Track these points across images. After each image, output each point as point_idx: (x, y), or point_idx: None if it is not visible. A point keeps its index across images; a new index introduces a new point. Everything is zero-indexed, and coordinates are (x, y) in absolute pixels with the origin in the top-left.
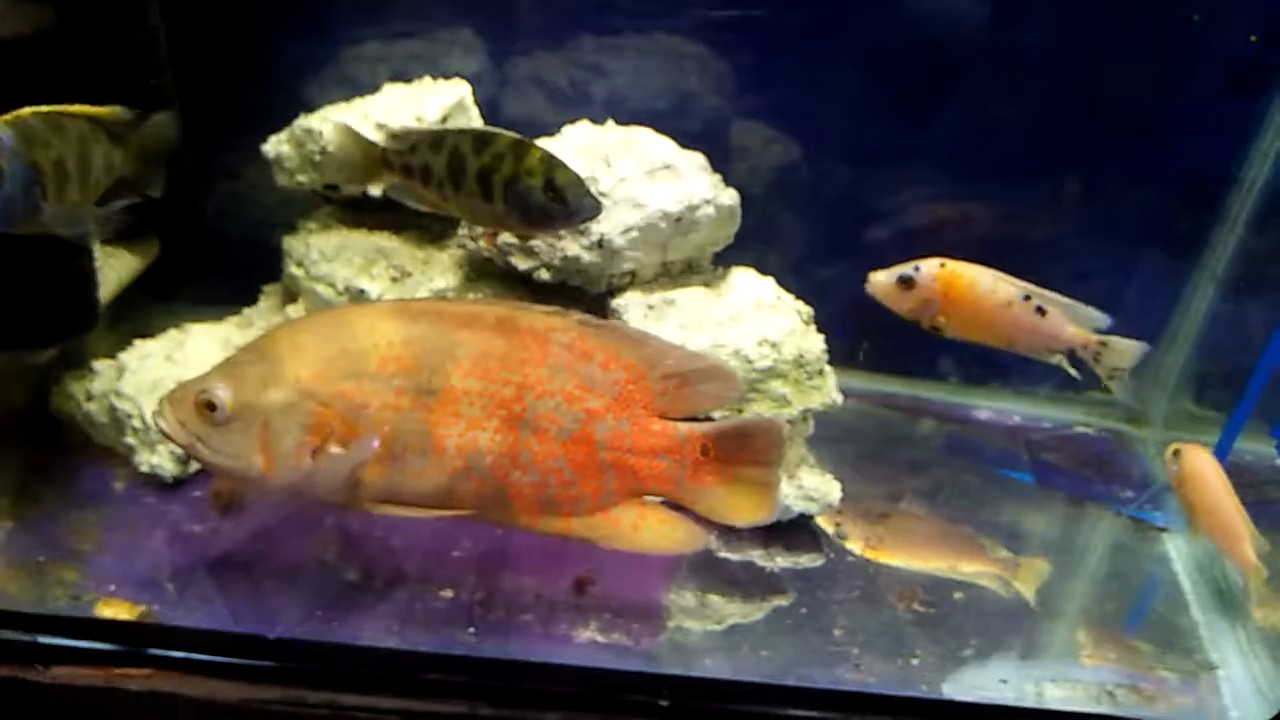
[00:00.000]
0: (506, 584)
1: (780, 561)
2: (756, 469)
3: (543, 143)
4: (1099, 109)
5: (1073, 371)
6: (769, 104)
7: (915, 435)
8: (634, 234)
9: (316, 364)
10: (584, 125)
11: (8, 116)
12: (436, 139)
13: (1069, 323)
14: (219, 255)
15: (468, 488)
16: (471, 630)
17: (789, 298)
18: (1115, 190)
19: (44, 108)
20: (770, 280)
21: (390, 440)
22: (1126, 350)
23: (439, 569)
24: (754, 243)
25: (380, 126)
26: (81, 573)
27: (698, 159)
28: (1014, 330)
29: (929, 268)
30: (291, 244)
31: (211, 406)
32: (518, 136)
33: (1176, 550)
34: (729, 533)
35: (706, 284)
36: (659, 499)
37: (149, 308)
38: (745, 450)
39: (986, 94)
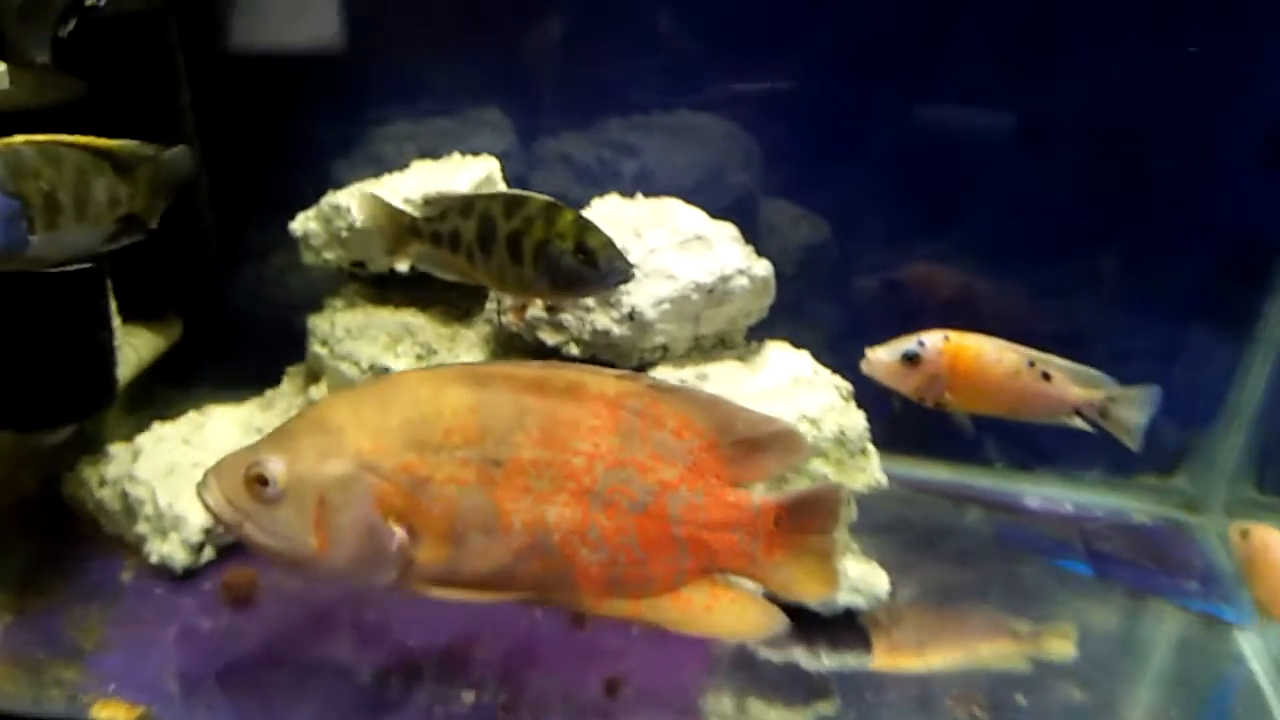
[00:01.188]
0: (532, 685)
1: (826, 661)
2: (818, 538)
3: None
4: (1138, 179)
5: (1085, 426)
6: (798, 180)
7: (962, 524)
8: (666, 306)
9: (378, 434)
10: (613, 199)
11: None
12: (467, 204)
13: (1073, 384)
14: (242, 338)
15: (532, 568)
16: None
17: (826, 373)
18: (1157, 264)
19: (40, 136)
20: (806, 354)
21: (452, 517)
22: (1135, 398)
23: (461, 669)
24: (786, 320)
25: (408, 201)
26: (82, 671)
27: (730, 230)
28: (1021, 398)
29: (934, 342)
30: (316, 322)
31: (263, 481)
32: (550, 199)
33: (1251, 648)
34: None
35: (740, 358)
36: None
37: (168, 394)
38: (812, 519)
39: (1021, 167)
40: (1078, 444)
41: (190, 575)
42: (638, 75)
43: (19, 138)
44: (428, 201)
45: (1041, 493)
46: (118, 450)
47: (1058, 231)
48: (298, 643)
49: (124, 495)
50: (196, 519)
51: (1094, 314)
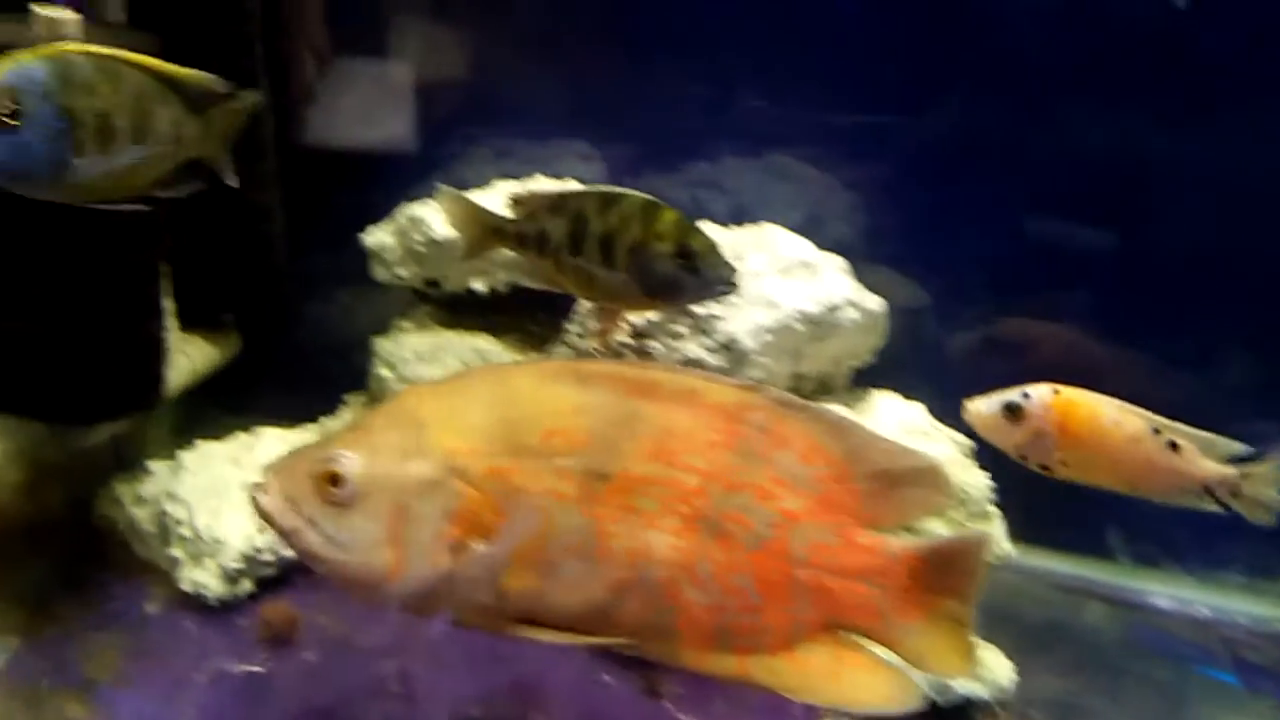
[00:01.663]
0: None
1: None
2: (956, 602)
3: None
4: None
5: (1215, 508)
6: (899, 222)
7: (1086, 620)
8: (766, 336)
9: (469, 433)
10: (707, 225)
11: (50, 49)
12: (558, 202)
13: (1203, 458)
14: (301, 361)
15: (629, 608)
16: None
17: (943, 428)
18: None
19: (100, 48)
20: (920, 406)
21: (546, 538)
22: (1269, 474)
23: None
24: (892, 372)
25: None
26: (88, 707)
27: (838, 260)
28: (1145, 470)
29: (1040, 395)
30: (382, 344)
31: (335, 480)
32: (650, 197)
33: None
34: None
35: (845, 405)
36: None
37: (218, 418)
38: (954, 577)
39: (1147, 217)
40: (1213, 539)
41: (224, 608)
42: (733, 116)
43: (75, 45)
44: (516, 201)
45: (1171, 593)
46: (158, 467)
47: (1183, 293)
48: (340, 695)
49: (160, 515)
50: (237, 544)
51: (1223, 386)
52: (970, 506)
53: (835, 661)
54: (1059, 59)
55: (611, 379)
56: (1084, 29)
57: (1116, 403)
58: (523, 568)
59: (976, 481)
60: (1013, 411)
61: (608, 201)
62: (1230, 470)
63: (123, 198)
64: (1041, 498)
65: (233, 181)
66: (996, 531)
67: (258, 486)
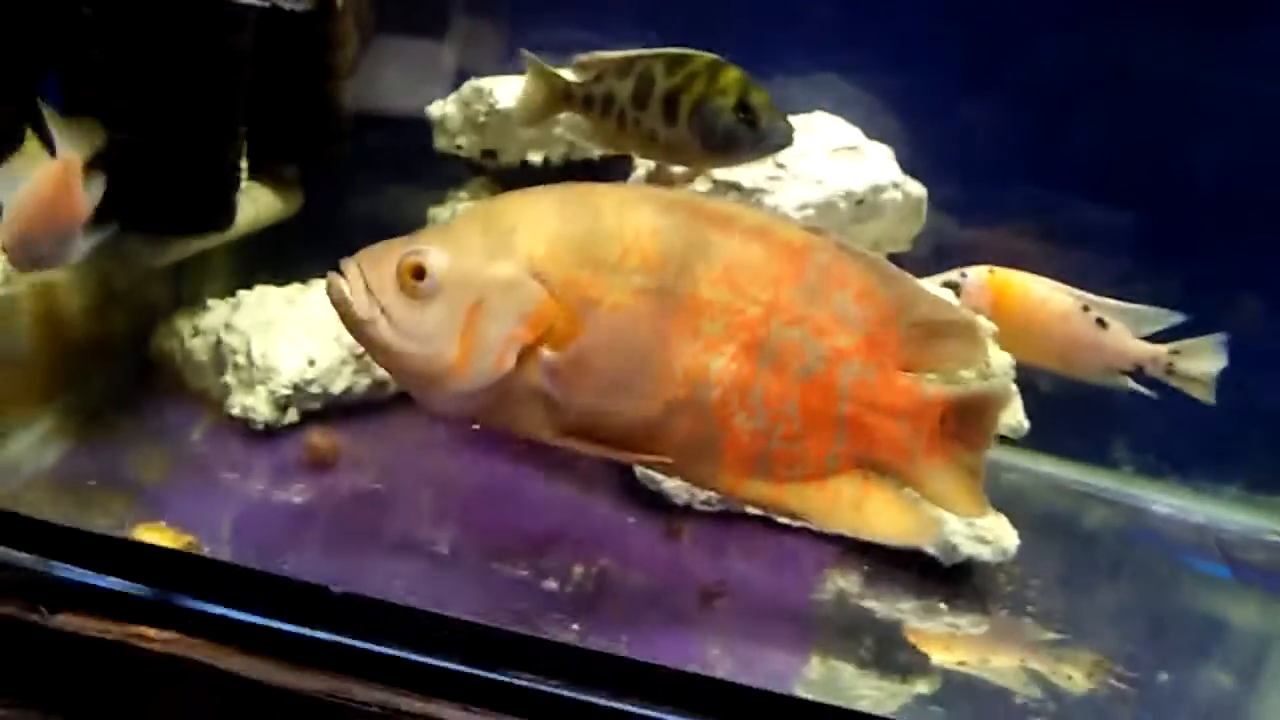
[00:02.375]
0: (620, 582)
1: (941, 622)
2: (972, 453)
3: None
4: None
5: (1146, 391)
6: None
7: (1087, 517)
8: (810, 211)
9: (553, 241)
10: None
11: None
12: (626, 64)
13: (1132, 333)
14: (358, 228)
15: (680, 425)
16: (575, 627)
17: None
18: None
19: None
20: (950, 293)
21: (611, 351)
22: (1204, 350)
23: (546, 556)
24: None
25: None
26: (133, 504)
27: (885, 148)
28: (1073, 347)
29: (977, 273)
30: (437, 212)
31: (420, 273)
32: (715, 57)
33: None
34: (876, 576)
35: None
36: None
37: (276, 270)
38: (977, 425)
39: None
40: (1216, 453)
41: (270, 433)
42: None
43: None
44: (582, 65)
45: (1172, 502)
46: (216, 304)
47: None
48: (372, 512)
49: (217, 345)
50: (288, 373)
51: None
52: (992, 380)
53: (862, 494)
54: None
55: (690, 208)
56: None
57: (1049, 281)
58: (584, 378)
59: (1001, 359)
60: (951, 289)
61: (674, 62)
62: (1160, 349)
63: None
64: (1048, 407)
65: (299, 6)
66: (1015, 405)
67: (337, 272)
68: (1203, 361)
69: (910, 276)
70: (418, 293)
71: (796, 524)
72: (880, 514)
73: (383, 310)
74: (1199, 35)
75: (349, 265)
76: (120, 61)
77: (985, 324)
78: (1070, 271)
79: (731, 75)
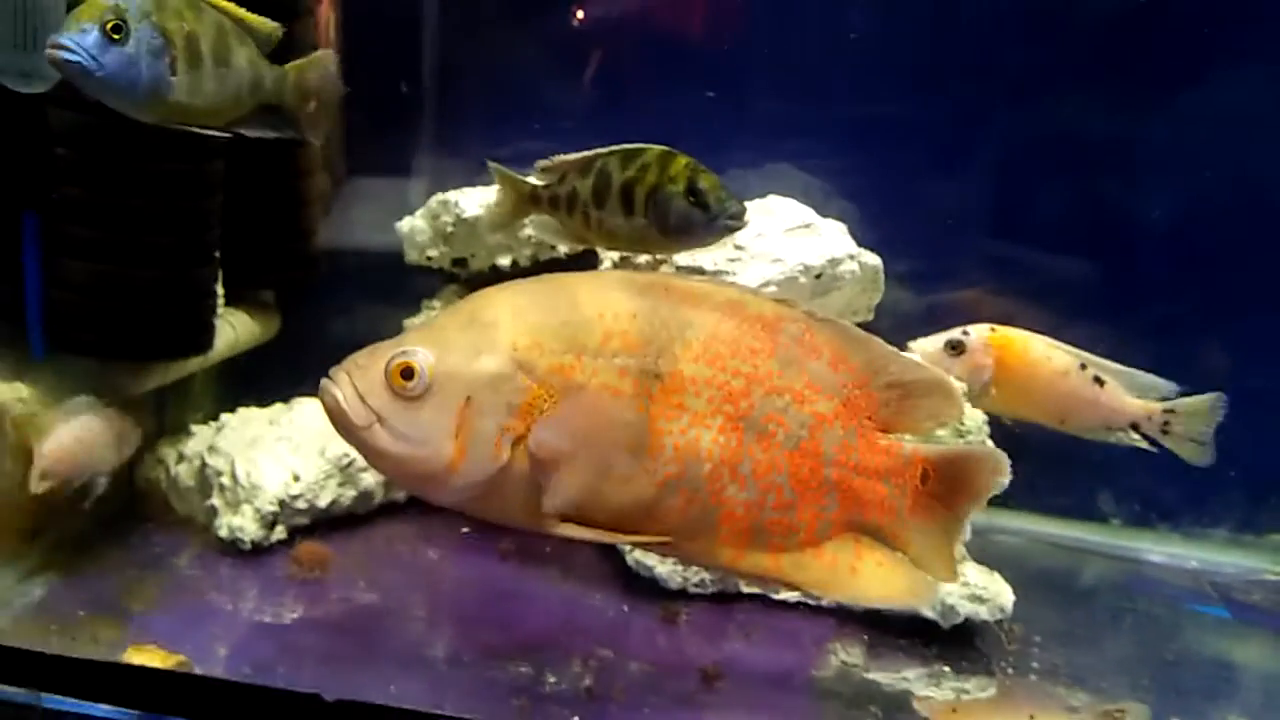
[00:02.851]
0: (619, 673)
1: (947, 687)
2: (949, 515)
3: None
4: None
5: (1142, 444)
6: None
7: (1082, 571)
8: (772, 289)
9: (535, 331)
10: None
11: None
12: (586, 164)
13: (1128, 393)
14: (336, 345)
15: (674, 504)
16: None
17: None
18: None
19: None
20: (917, 356)
21: (601, 433)
22: (1200, 409)
23: (543, 652)
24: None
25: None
26: (122, 630)
27: (838, 225)
28: (1070, 403)
29: (979, 332)
30: (412, 323)
31: (408, 373)
32: (666, 148)
33: None
34: (877, 646)
35: None
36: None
37: (257, 393)
38: (961, 484)
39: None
40: (1202, 500)
41: (258, 551)
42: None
43: None
44: (544, 169)
45: (1164, 550)
46: (199, 429)
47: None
48: (365, 621)
49: (201, 468)
50: (273, 489)
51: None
52: (969, 438)
53: (856, 558)
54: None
55: (663, 288)
56: None
57: (1047, 339)
58: (578, 462)
59: (974, 415)
60: (954, 347)
61: (628, 156)
62: (1155, 406)
63: (209, 121)
64: (1034, 465)
65: (315, 139)
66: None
67: (328, 381)
68: (1199, 421)
69: (878, 339)
70: (408, 393)
71: (793, 599)
72: (875, 576)
73: (376, 415)
74: (1132, 98)
75: (339, 373)
76: (95, 195)
77: (956, 382)
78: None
79: (681, 162)
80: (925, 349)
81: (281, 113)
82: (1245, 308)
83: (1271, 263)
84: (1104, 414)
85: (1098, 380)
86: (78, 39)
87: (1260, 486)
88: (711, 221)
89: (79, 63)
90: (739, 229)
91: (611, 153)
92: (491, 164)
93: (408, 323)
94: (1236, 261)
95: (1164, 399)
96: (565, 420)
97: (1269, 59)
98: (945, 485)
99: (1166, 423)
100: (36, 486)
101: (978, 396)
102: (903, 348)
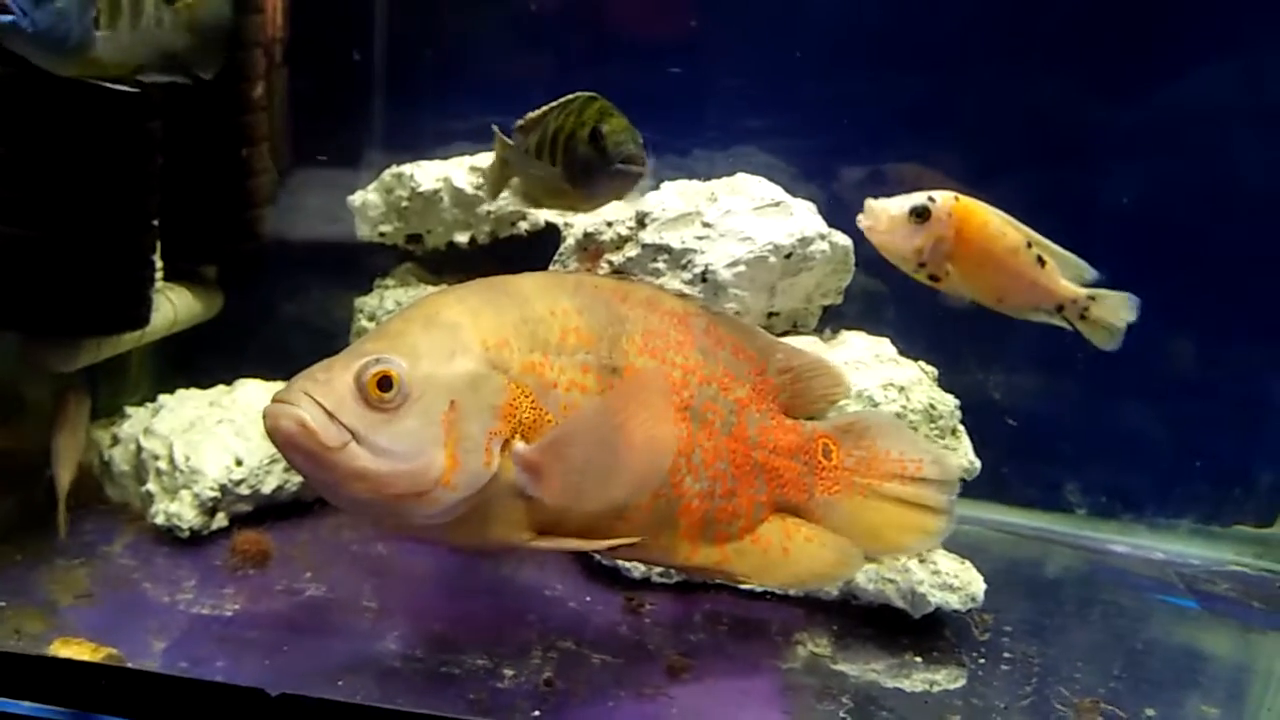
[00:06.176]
0: (582, 664)
1: (918, 678)
2: (898, 484)
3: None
4: None
5: (1063, 324)
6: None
7: (1049, 561)
8: (741, 268)
9: (499, 330)
10: (684, 181)
11: None
12: (540, 118)
13: (1062, 278)
14: (282, 323)
15: (643, 501)
16: (536, 714)
17: (910, 360)
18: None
19: None
20: (886, 339)
21: (578, 433)
22: (1117, 303)
23: (502, 643)
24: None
25: (474, 169)
26: (47, 623)
27: (809, 204)
28: (1014, 283)
29: (945, 199)
30: (364, 301)
31: (386, 383)
32: (591, 94)
33: None
34: (846, 636)
35: (817, 338)
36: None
37: (197, 373)
38: (865, 455)
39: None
40: (1168, 492)
41: (197, 540)
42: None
43: None
44: (521, 128)
45: (1130, 541)
46: (134, 411)
47: None
48: (310, 613)
49: (137, 452)
50: (214, 473)
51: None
52: (940, 423)
53: (787, 538)
54: None
55: (592, 286)
56: None
57: (1002, 214)
58: (559, 464)
59: (945, 399)
60: (919, 215)
61: (564, 106)
62: (1082, 292)
63: (121, 75)
64: (1000, 456)
65: (206, 75)
66: (964, 446)
67: (280, 405)
68: (1116, 312)
69: (762, 330)
70: (387, 405)
71: (759, 589)
72: (805, 552)
73: (352, 432)
74: (1107, 80)
75: (293, 393)
76: (15, 154)
77: (838, 364)
78: None
79: (594, 107)
80: (889, 211)
81: (175, 55)
82: (1212, 301)
83: (1237, 255)
84: (1039, 295)
85: (1040, 260)
86: None
87: (1225, 478)
88: (607, 165)
89: (12, 20)
90: (636, 175)
91: (558, 104)
92: (495, 129)
93: (359, 300)
94: (1202, 255)
95: (1086, 284)
96: (540, 422)
97: None
98: (854, 453)
99: (1086, 309)
100: None
101: (937, 270)
102: (862, 207)
